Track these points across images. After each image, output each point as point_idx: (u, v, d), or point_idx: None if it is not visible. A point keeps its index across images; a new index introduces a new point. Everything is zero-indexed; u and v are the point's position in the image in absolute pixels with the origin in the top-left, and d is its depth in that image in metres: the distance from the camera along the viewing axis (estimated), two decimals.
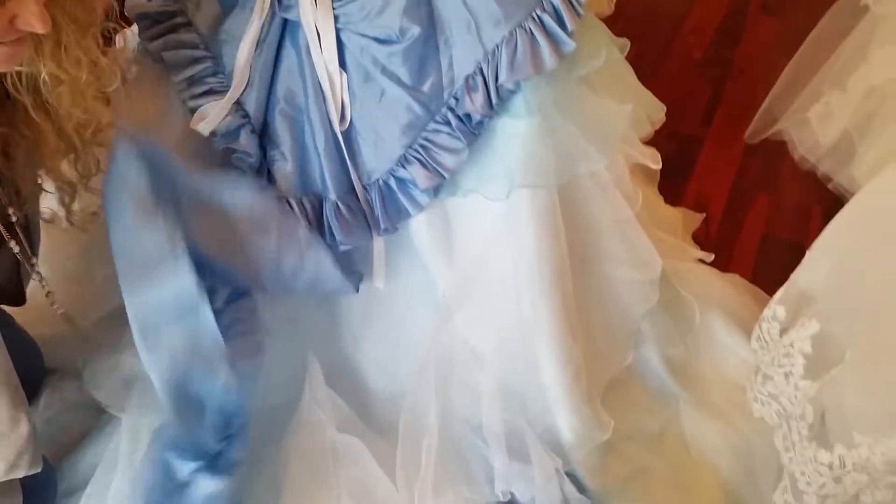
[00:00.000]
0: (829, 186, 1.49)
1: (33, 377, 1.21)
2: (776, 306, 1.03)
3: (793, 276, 1.04)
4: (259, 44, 1.07)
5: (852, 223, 0.95)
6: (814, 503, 0.86)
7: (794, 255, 1.56)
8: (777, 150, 1.72)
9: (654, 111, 1.24)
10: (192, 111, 1.08)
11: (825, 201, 1.63)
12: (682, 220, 1.55)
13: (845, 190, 1.44)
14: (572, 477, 1.15)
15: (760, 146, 1.81)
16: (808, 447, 0.85)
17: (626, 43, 1.19)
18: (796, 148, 1.54)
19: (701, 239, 1.58)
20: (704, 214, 1.61)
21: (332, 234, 1.11)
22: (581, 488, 1.14)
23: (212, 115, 1.05)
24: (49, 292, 1.04)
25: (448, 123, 1.08)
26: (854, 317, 0.89)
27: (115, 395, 1.18)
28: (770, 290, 1.46)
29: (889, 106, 1.33)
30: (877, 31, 1.40)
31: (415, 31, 1.03)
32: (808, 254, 1.04)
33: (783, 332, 1.02)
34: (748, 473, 1.21)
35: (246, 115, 1.08)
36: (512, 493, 1.13)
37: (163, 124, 1.08)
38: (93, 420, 1.22)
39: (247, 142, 1.08)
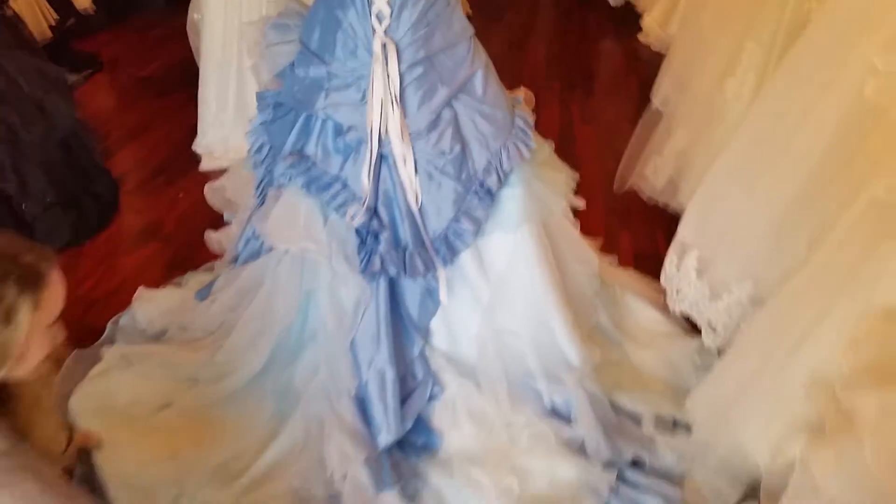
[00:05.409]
0: (669, 211, 2.49)
1: None
2: (672, 255, 1.94)
3: (676, 236, 1.97)
4: (371, 168, 1.85)
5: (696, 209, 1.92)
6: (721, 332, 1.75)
7: (655, 259, 2.49)
8: (626, 200, 2.70)
9: (570, 176, 2.15)
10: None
11: (664, 225, 2.64)
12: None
13: (676, 210, 2.46)
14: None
15: (617, 203, 2.79)
16: (709, 306, 1.75)
17: (551, 142, 2.11)
18: (644, 193, 2.55)
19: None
20: (602, 239, 2.54)
21: (412, 270, 1.88)
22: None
23: (357, 218, 1.82)
24: None
25: (477, 195, 1.91)
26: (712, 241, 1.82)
27: None
28: (649, 274, 2.38)
29: (690, 160, 2.38)
30: (664, 123, 2.49)
31: (457, 148, 1.87)
32: (681, 222, 1.99)
33: (678, 266, 1.94)
34: (673, 372, 2.08)
35: (375, 214, 1.85)
36: (553, 402, 1.91)
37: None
38: None
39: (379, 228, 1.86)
